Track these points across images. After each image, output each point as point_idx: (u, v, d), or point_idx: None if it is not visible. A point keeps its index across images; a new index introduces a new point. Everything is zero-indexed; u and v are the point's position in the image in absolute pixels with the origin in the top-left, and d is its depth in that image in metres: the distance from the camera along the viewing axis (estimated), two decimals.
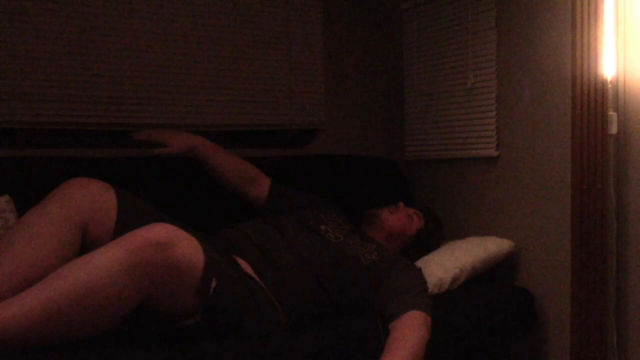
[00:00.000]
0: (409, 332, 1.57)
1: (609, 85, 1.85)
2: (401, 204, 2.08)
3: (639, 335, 1.89)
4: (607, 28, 1.85)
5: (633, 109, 1.87)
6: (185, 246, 1.35)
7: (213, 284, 1.40)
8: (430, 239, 2.12)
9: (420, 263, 1.99)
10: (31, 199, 1.52)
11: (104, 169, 1.92)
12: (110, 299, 1.27)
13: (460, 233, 2.34)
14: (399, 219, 2.03)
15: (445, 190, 2.50)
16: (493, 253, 2.09)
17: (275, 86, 2.39)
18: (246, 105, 2.33)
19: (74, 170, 1.76)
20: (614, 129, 1.87)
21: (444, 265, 2.00)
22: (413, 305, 1.65)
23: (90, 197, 1.50)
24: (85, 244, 1.47)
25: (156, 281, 1.31)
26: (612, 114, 1.87)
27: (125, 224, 1.49)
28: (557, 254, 2.04)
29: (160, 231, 1.31)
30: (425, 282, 1.78)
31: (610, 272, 1.88)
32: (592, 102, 1.87)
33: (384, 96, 2.71)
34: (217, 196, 2.06)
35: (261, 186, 2.05)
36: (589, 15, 1.86)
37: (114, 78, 2.08)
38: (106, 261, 1.27)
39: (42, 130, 2.04)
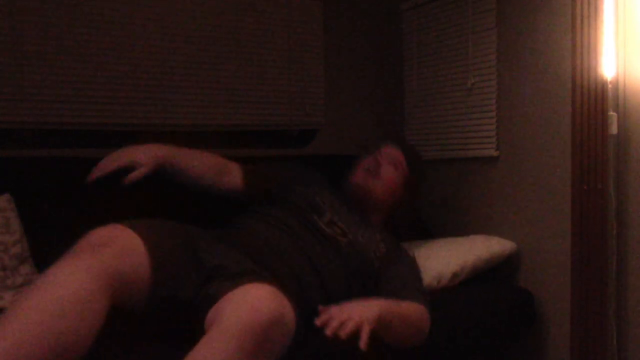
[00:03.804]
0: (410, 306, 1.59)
1: (609, 86, 1.85)
2: (380, 162, 1.92)
3: (639, 335, 1.89)
4: (607, 28, 1.85)
5: (633, 109, 1.87)
6: (288, 311, 1.24)
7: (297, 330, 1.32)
8: (418, 189, 2.01)
9: (422, 255, 1.98)
10: (31, 198, 1.51)
11: None
12: None
13: (460, 232, 2.34)
14: (385, 190, 1.91)
15: (445, 190, 2.50)
16: (495, 253, 2.09)
17: (275, 86, 2.39)
18: (246, 105, 2.33)
19: (74, 170, 1.76)
20: (614, 129, 1.87)
21: (446, 260, 1.99)
22: (416, 300, 1.64)
23: (120, 254, 1.27)
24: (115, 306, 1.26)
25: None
26: (612, 114, 1.86)
27: (161, 278, 1.32)
28: (557, 254, 2.04)
29: (270, 306, 1.18)
30: (421, 275, 1.77)
31: (610, 272, 1.88)
32: (592, 102, 1.87)
33: (384, 96, 2.71)
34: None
35: (233, 172, 1.88)
36: (589, 15, 1.86)
37: (113, 78, 2.08)
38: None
39: (42, 130, 2.04)
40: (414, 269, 1.78)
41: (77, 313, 1.13)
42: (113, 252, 1.25)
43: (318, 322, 1.42)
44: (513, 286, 2.15)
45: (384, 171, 1.91)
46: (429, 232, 2.45)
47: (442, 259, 2.00)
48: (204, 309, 1.25)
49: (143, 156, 1.69)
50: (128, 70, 2.10)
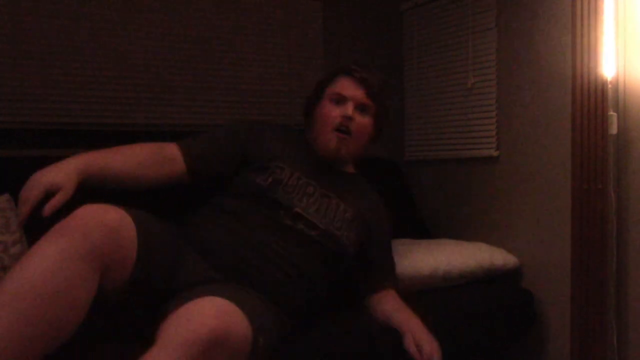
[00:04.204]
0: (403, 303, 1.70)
1: (609, 85, 1.85)
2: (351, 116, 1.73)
3: (639, 335, 1.89)
4: (607, 28, 1.85)
5: (633, 109, 1.87)
6: (237, 326, 1.19)
7: (261, 343, 1.29)
8: (387, 115, 1.86)
9: (424, 250, 2.00)
10: None
11: None
12: None
13: (459, 232, 2.34)
14: (360, 139, 1.78)
15: (445, 190, 2.50)
16: (498, 266, 2.09)
17: (275, 86, 2.40)
18: (246, 105, 2.33)
19: None
20: (614, 129, 1.87)
21: (446, 258, 2.00)
22: (392, 282, 1.78)
23: (110, 233, 1.26)
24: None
25: None
26: (612, 114, 1.86)
27: (145, 262, 1.33)
28: (557, 254, 2.04)
29: (212, 323, 1.14)
30: (391, 244, 1.84)
31: (610, 272, 1.88)
32: (592, 102, 1.87)
33: None
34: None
35: (172, 155, 1.68)
36: (589, 15, 1.86)
37: (113, 78, 2.08)
38: None
39: (42, 130, 2.04)
40: (387, 242, 1.84)
41: (67, 295, 1.16)
42: (103, 232, 1.24)
43: (412, 351, 1.56)
44: (513, 286, 2.15)
45: (356, 126, 1.73)
46: (428, 231, 2.46)
47: (442, 257, 2.00)
48: (159, 322, 1.22)
49: (57, 177, 1.44)
50: (128, 70, 2.10)
